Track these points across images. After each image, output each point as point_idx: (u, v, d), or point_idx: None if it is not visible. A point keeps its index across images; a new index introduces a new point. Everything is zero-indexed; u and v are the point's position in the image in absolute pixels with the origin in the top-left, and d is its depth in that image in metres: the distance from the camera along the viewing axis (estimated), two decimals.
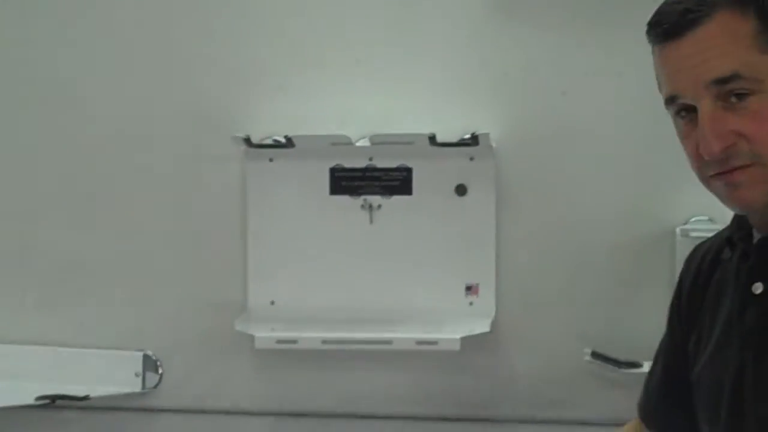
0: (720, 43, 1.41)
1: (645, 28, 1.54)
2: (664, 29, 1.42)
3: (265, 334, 2.21)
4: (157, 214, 2.40)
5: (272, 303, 2.31)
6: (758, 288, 1.47)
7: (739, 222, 1.53)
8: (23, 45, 2.43)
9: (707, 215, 2.21)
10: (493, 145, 2.17)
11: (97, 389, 2.32)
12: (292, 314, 2.29)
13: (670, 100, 1.41)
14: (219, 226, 2.37)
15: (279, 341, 2.22)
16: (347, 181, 2.29)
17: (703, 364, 1.61)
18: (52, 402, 2.27)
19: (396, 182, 2.29)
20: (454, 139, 2.15)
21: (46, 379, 2.32)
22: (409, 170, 2.24)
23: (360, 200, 2.28)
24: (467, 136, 2.14)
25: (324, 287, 2.27)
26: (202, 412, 2.36)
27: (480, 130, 2.13)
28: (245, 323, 2.26)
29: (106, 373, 2.37)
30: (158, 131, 2.37)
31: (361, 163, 2.29)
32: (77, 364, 2.37)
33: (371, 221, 2.29)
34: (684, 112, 1.40)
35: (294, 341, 2.20)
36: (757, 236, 1.49)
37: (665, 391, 1.77)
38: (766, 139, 1.40)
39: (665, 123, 1.58)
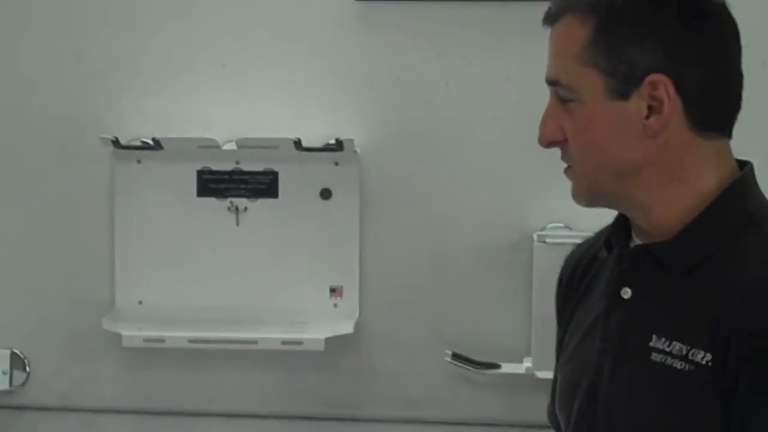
0: (559, 44, 1.44)
1: (504, 43, 1.56)
2: (543, 16, 1.44)
3: (132, 333, 2.20)
4: (24, 213, 2.38)
5: (140, 302, 2.31)
6: (627, 293, 1.49)
7: (617, 223, 1.54)
8: None
9: (563, 222, 2.25)
10: (358, 150, 2.20)
11: None
12: (160, 314, 2.29)
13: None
14: (87, 226, 2.36)
15: (146, 340, 2.22)
16: (214, 184, 2.29)
17: (567, 358, 1.64)
18: None
19: (262, 185, 2.29)
20: (320, 144, 2.16)
21: None
22: (275, 174, 2.24)
23: (227, 202, 2.27)
24: (332, 141, 2.16)
25: (191, 287, 2.26)
26: (69, 409, 2.35)
27: (345, 136, 2.13)
28: (113, 322, 2.26)
29: None
30: (24, 130, 2.36)
31: (228, 166, 2.28)
32: None
33: (238, 223, 2.29)
34: None
35: (161, 340, 2.20)
36: (634, 242, 1.52)
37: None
38: (575, 144, 1.43)
39: (524, 132, 1.64)
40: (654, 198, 1.45)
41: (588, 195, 1.47)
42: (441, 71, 2.25)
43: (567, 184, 1.98)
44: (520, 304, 2.12)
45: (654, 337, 1.44)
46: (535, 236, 2.24)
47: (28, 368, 2.39)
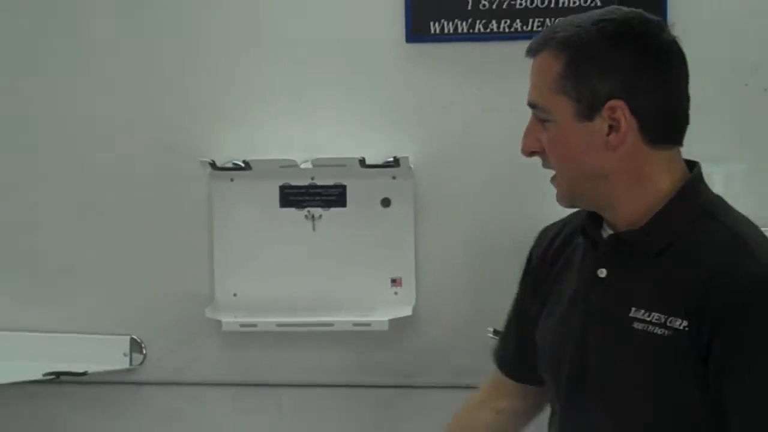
0: (537, 75, 1.62)
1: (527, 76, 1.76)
2: (526, 49, 1.63)
3: (229, 320, 2.38)
4: (140, 223, 2.54)
5: (235, 295, 2.46)
6: (603, 273, 1.62)
7: (589, 216, 1.68)
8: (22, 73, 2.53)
9: None
10: (412, 166, 2.33)
11: (93, 367, 2.47)
12: (251, 304, 2.45)
13: None
14: (191, 234, 2.51)
15: (242, 325, 2.38)
16: (294, 196, 2.43)
17: (549, 328, 1.76)
18: (57, 377, 2.43)
19: (333, 197, 2.43)
20: (380, 162, 2.30)
21: (52, 360, 2.47)
22: (343, 187, 2.39)
23: (304, 212, 2.42)
24: (390, 159, 2.29)
25: (277, 281, 2.41)
26: (179, 384, 2.52)
27: (401, 155, 2.29)
28: (213, 311, 2.42)
29: (100, 354, 2.53)
30: (142, 156, 2.50)
31: (304, 181, 2.42)
32: (77, 347, 2.53)
33: (314, 229, 2.43)
34: None
35: (254, 325, 2.37)
36: (607, 232, 1.64)
37: (522, 346, 1.87)
38: (552, 155, 1.61)
39: None
40: (621, 198, 1.61)
41: (568, 197, 1.65)
42: (478, 100, 2.37)
43: None
44: None
45: (633, 309, 1.58)
46: None
47: (144, 351, 2.56)
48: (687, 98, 1.63)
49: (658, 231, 1.59)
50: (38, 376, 2.43)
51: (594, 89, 1.55)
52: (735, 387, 1.51)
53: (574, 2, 2.34)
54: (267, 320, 2.34)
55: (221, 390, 2.52)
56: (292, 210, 2.44)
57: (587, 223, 1.69)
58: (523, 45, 2.25)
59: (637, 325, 1.57)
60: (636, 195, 1.61)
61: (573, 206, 1.70)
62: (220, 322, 2.39)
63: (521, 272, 1.84)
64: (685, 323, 1.53)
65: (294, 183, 2.44)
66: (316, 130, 2.37)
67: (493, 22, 2.37)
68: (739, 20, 2.34)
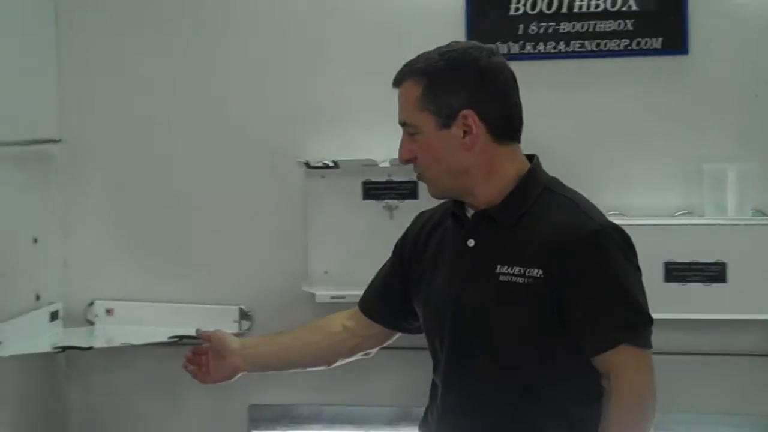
0: (402, 99, 1.96)
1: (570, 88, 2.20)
2: (392, 81, 1.97)
3: (322, 293, 2.62)
4: (248, 213, 2.82)
5: (326, 272, 2.69)
6: (471, 242, 1.96)
7: (456, 203, 2.00)
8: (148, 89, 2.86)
9: (618, 210, 2.61)
10: None
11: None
12: (340, 279, 2.65)
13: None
14: (289, 221, 2.78)
15: (332, 297, 2.59)
16: (374, 191, 2.65)
17: (431, 292, 2.04)
18: (179, 340, 2.66)
19: (407, 190, 2.65)
20: None
21: (175, 326, 2.73)
22: (415, 183, 2.57)
23: (383, 203, 2.65)
24: None
25: (360, 261, 2.42)
26: None
27: None
28: (308, 285, 2.68)
29: (215, 321, 2.68)
30: (248, 157, 2.81)
31: (383, 178, 2.65)
32: (196, 315, 2.77)
33: (391, 218, 2.66)
34: None
35: (342, 297, 2.53)
36: (470, 212, 1.98)
37: (382, 292, 2.21)
38: (423, 160, 1.95)
39: (586, 144, 2.39)
40: (479, 185, 1.94)
41: (438, 191, 1.99)
42: (529, 109, 2.36)
43: (618, 182, 2.59)
44: None
45: (498, 266, 1.90)
46: None
47: (251, 318, 2.84)
48: (519, 105, 1.98)
49: (513, 205, 1.93)
50: (164, 339, 2.70)
51: (449, 104, 1.91)
52: (578, 309, 1.87)
53: (608, 27, 2.67)
54: (353, 293, 2.37)
55: None
56: (373, 202, 2.67)
57: (455, 208, 2.01)
58: (565, 64, 2.63)
59: (502, 278, 1.90)
60: (490, 181, 1.94)
61: (443, 198, 2.04)
62: (314, 294, 2.65)
63: (395, 246, 2.18)
64: (540, 272, 1.88)
65: (374, 179, 2.67)
66: (392, 136, 2.28)
67: (540, 44, 2.70)
68: (751, 42, 2.63)
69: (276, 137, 2.82)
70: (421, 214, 2.18)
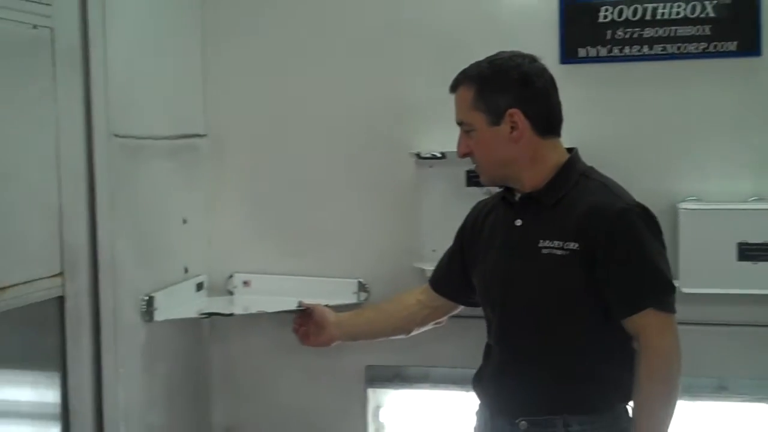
0: (458, 102, 2.16)
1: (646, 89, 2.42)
2: (449, 87, 2.19)
3: (430, 268, 2.62)
4: (365, 198, 3.03)
5: (434, 250, 2.75)
6: (518, 222, 2.17)
7: (506, 189, 2.22)
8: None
9: (696, 196, 2.79)
10: None
11: (331, 301, 2.80)
12: None
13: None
14: (402, 206, 2.97)
15: None
16: (476, 179, 2.56)
17: (486, 267, 2.23)
18: (306, 309, 2.65)
19: None
20: None
21: (301, 296, 2.77)
22: None
23: (484, 190, 2.60)
24: None
25: None
26: None
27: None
28: (419, 262, 2.86)
29: (336, 292, 3.00)
30: (365, 148, 3.02)
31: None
32: (320, 287, 3.02)
33: None
34: None
35: None
36: (518, 196, 2.19)
37: (447, 271, 2.43)
38: (477, 154, 2.17)
39: (664, 139, 2.58)
40: (525, 173, 2.15)
41: (489, 179, 2.21)
42: (618, 107, 2.83)
43: (696, 171, 2.78)
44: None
45: (541, 241, 2.09)
46: (679, 206, 2.74)
47: (368, 290, 3.04)
48: (559, 103, 2.17)
49: (554, 189, 2.16)
50: (293, 308, 2.72)
51: (497, 104, 2.10)
52: (609, 277, 2.05)
53: (687, 32, 2.86)
54: None
55: None
56: (475, 188, 2.77)
57: (505, 193, 2.22)
58: (650, 65, 2.81)
59: (544, 251, 2.12)
60: (534, 169, 2.15)
61: (494, 184, 2.25)
62: (423, 269, 2.78)
63: (457, 231, 2.38)
64: (576, 244, 2.10)
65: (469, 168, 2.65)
66: None
67: (626, 48, 2.89)
68: None
69: (391, 132, 3.02)
70: (479, 202, 2.39)
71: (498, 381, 2.22)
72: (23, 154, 2.28)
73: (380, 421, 3.20)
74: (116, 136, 2.62)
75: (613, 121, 2.87)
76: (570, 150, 2.20)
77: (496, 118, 2.12)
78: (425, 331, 2.62)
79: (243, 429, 3.26)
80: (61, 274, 2.43)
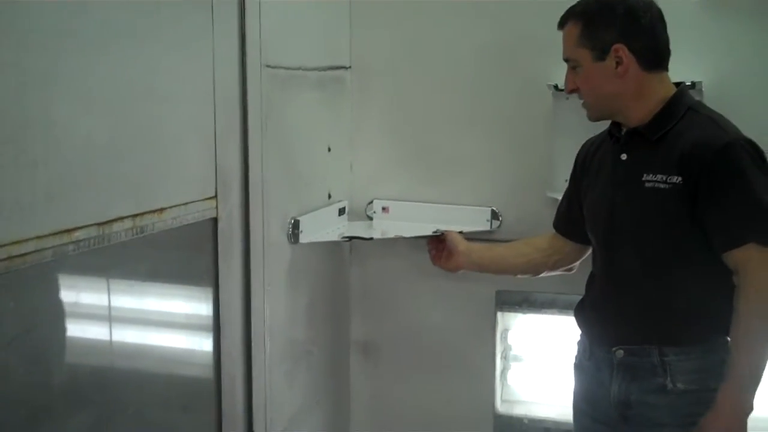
0: (565, 39, 2.13)
1: None
2: (558, 24, 2.15)
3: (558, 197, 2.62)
4: (501, 129, 2.97)
5: (566, 180, 2.52)
6: (624, 156, 2.14)
7: (613, 124, 2.18)
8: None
9: None
10: (703, 91, 2.55)
11: (465, 228, 2.86)
12: None
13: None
14: (537, 137, 2.91)
15: None
16: None
17: (592, 198, 2.23)
18: (441, 235, 2.65)
19: None
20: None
21: (437, 222, 2.88)
22: None
23: None
24: (688, 82, 2.46)
25: None
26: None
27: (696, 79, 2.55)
28: (551, 192, 2.79)
29: (470, 219, 3.03)
30: (505, 83, 2.94)
31: None
32: (454, 214, 3.04)
33: None
34: None
35: None
36: (624, 130, 2.15)
37: (567, 213, 2.39)
38: (584, 91, 2.15)
39: None
40: (631, 108, 2.10)
41: (596, 114, 2.16)
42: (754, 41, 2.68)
43: None
44: None
45: (644, 174, 2.05)
46: None
47: (500, 218, 3.03)
48: (666, 38, 2.11)
49: (659, 123, 2.06)
50: (429, 233, 2.72)
51: (602, 40, 2.06)
52: (712, 210, 1.99)
53: None
54: None
55: None
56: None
57: (612, 128, 2.18)
58: None
59: (647, 184, 2.04)
60: (640, 104, 2.09)
61: (600, 119, 2.18)
62: (556, 199, 2.65)
63: (572, 171, 2.35)
64: (679, 178, 2.01)
65: None
66: None
67: None
68: None
69: (528, 64, 2.95)
70: (587, 141, 2.36)
71: (597, 310, 2.21)
72: (182, 83, 2.28)
73: (508, 343, 3.21)
74: (268, 66, 2.61)
75: (755, 55, 2.71)
76: (678, 84, 2.14)
77: (601, 53, 2.07)
78: None
79: (379, 345, 3.30)
80: (215, 197, 2.44)
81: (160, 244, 2.26)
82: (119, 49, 2.04)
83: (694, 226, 2.02)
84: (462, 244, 2.52)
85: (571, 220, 2.39)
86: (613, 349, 2.14)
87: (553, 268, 2.46)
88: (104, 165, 2.01)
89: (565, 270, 2.47)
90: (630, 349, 2.12)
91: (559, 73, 2.56)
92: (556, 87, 2.76)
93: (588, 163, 2.28)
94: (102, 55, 1.98)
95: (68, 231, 1.89)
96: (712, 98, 2.44)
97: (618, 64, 2.05)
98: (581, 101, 2.17)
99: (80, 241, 1.93)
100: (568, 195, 2.41)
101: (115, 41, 2.03)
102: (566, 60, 2.14)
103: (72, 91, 1.90)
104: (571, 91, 2.16)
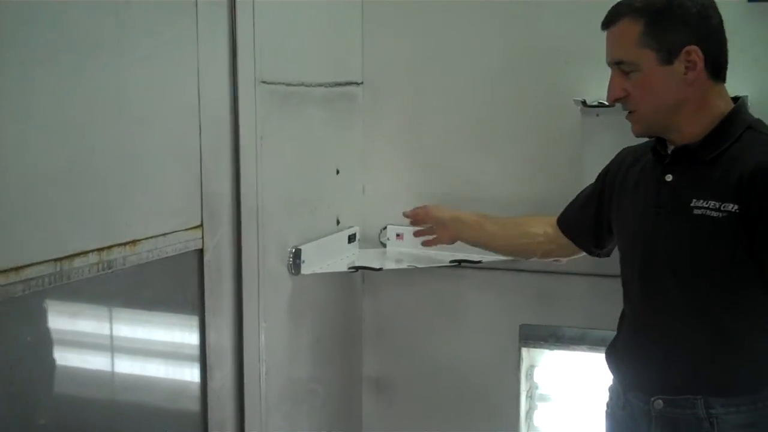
0: (619, 38, 1.86)
1: None
2: (602, 22, 1.89)
3: None
4: (529, 145, 2.74)
5: None
6: (669, 177, 1.89)
7: (658, 140, 1.93)
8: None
9: None
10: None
11: (485, 258, 2.64)
12: None
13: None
14: (564, 156, 2.67)
15: None
16: None
17: (626, 219, 2.02)
18: (459, 264, 2.65)
19: None
20: None
21: (456, 251, 2.66)
22: None
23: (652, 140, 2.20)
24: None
25: None
26: (549, 272, 2.66)
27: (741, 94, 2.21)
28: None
29: None
30: (530, 95, 2.73)
31: None
32: None
33: None
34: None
35: None
36: (670, 148, 1.91)
37: (579, 215, 2.23)
38: (637, 99, 1.86)
39: None
40: (687, 122, 1.86)
41: (644, 128, 1.90)
42: None
43: None
44: None
45: (694, 200, 1.81)
46: None
47: None
48: (726, 45, 1.87)
49: (714, 141, 1.80)
50: (446, 263, 2.67)
51: (672, 40, 1.78)
52: None
53: None
54: None
55: (585, 278, 2.64)
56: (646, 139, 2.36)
57: (656, 144, 1.93)
58: None
59: (696, 211, 1.78)
60: (698, 117, 1.83)
61: (647, 136, 1.92)
62: None
63: (599, 173, 2.16)
64: (736, 207, 1.73)
65: None
66: None
67: None
68: None
69: (555, 78, 2.72)
70: (625, 148, 2.13)
71: (632, 353, 1.99)
72: (160, 100, 2.02)
73: (534, 381, 2.99)
74: (264, 82, 2.38)
75: None
76: (736, 99, 1.89)
77: (668, 56, 1.81)
78: (584, 291, 2.58)
79: (394, 382, 3.10)
80: (200, 226, 2.19)
81: (135, 279, 1.99)
82: (79, 60, 1.78)
83: (750, 262, 1.79)
84: (445, 212, 2.48)
85: (579, 223, 2.23)
86: (652, 399, 1.91)
87: (543, 257, 2.37)
88: (62, 193, 1.76)
89: (555, 261, 2.39)
90: (671, 400, 1.88)
91: (586, 88, 2.55)
92: (584, 102, 2.54)
93: (624, 174, 2.06)
94: (58, 69, 1.73)
95: (15, 269, 1.66)
96: (758, 115, 2.23)
97: (688, 69, 1.81)
98: (627, 112, 1.93)
99: (31, 279, 1.69)
100: (587, 196, 2.21)
101: (74, 51, 1.77)
102: (617, 63, 1.89)
103: (17, 110, 1.65)
104: (616, 100, 1.92)
